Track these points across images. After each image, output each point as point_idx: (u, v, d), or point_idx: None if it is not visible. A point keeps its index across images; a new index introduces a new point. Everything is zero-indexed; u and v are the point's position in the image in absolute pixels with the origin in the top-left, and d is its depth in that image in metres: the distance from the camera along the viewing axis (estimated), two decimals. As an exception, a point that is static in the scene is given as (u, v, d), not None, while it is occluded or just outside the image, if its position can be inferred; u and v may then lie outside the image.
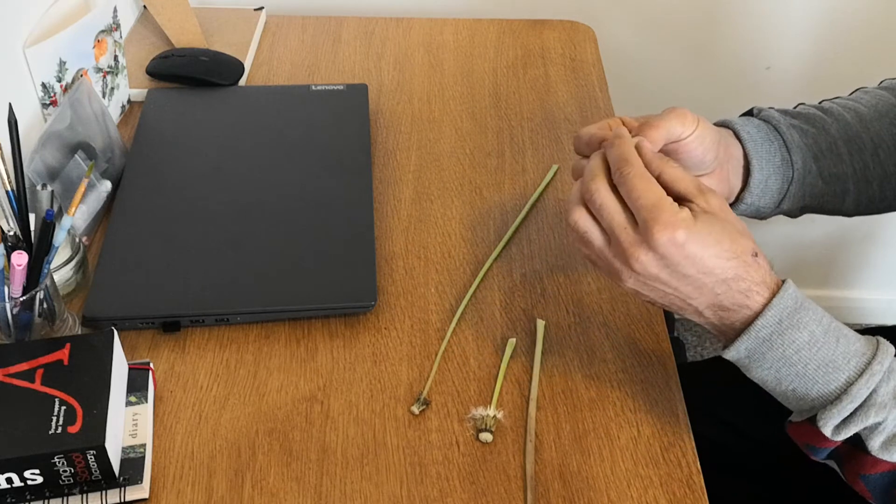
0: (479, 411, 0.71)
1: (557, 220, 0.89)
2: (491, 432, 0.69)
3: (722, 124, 0.78)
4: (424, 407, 0.71)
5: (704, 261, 0.59)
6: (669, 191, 0.61)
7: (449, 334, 0.77)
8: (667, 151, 0.71)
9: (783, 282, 0.62)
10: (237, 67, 1.06)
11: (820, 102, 0.84)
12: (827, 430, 0.60)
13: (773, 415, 0.65)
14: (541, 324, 0.78)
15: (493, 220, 0.89)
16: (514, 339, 0.76)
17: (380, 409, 0.71)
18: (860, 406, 0.59)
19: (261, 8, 1.19)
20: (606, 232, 0.62)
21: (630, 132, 0.69)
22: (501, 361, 0.75)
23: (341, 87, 1.03)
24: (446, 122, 1.02)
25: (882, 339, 0.62)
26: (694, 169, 0.73)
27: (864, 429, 0.60)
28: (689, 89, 1.41)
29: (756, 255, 0.61)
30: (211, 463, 0.67)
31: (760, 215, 0.80)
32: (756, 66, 1.39)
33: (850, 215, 0.84)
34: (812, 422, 0.61)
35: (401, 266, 0.84)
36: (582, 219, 0.63)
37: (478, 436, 0.69)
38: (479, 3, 1.29)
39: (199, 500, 0.65)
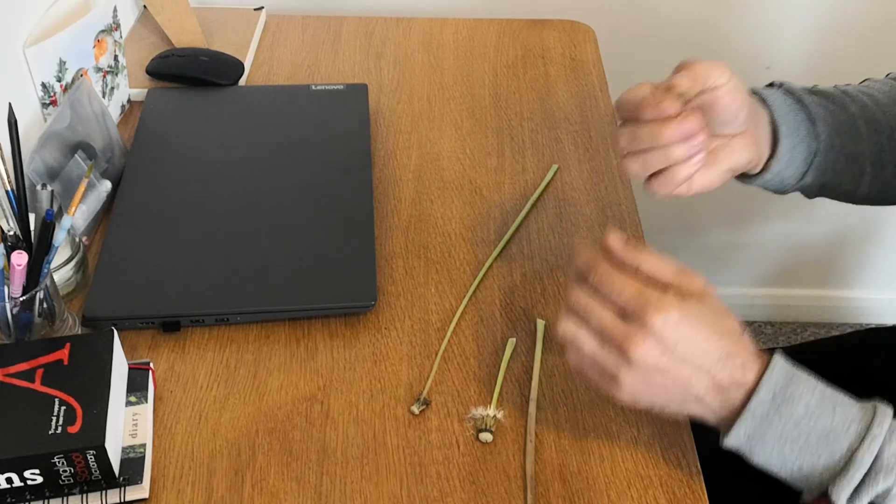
0: (479, 411, 0.71)
1: (557, 220, 0.89)
2: (491, 432, 0.69)
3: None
4: (424, 407, 0.71)
5: (699, 341, 0.59)
6: (653, 279, 0.61)
7: (449, 334, 0.77)
8: (702, 104, 0.68)
9: (772, 356, 0.62)
10: (237, 67, 1.06)
11: (833, 86, 0.84)
12: (842, 503, 0.60)
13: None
14: (541, 324, 0.78)
15: (493, 220, 0.89)
16: (514, 339, 0.76)
17: (380, 409, 0.71)
18: (868, 472, 0.59)
19: (261, 8, 1.19)
20: (597, 335, 0.61)
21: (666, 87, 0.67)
22: (501, 361, 0.75)
23: (341, 87, 1.03)
24: (446, 121, 1.02)
25: (879, 402, 0.61)
26: (725, 126, 0.71)
27: (877, 496, 0.59)
28: (690, 89, 1.41)
29: (742, 333, 0.62)
30: (211, 463, 0.67)
31: (783, 188, 0.80)
32: (756, 65, 1.39)
33: (861, 201, 0.83)
34: (825, 496, 0.60)
35: (401, 266, 0.84)
36: (569, 326, 0.62)
37: (478, 436, 0.69)
38: (479, 3, 1.29)
39: (199, 499, 0.65)
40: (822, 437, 0.59)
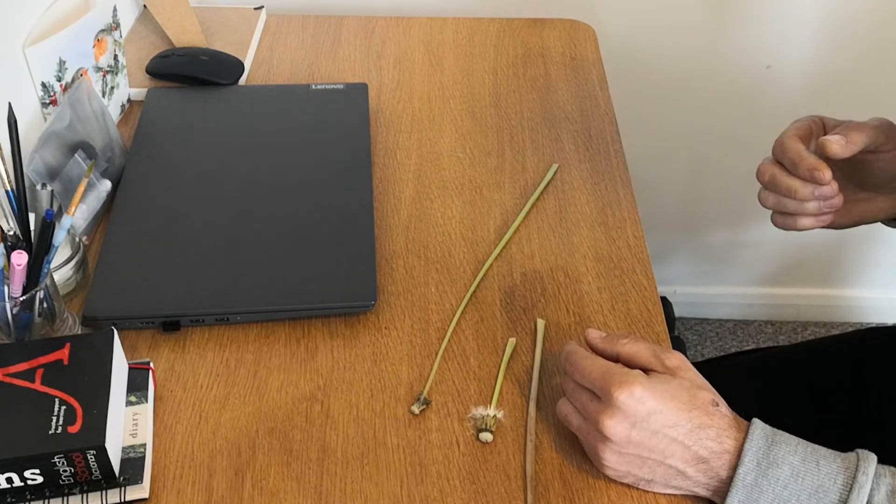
0: (480, 411, 0.71)
1: (558, 220, 0.89)
2: (491, 432, 0.69)
3: None
4: (424, 406, 0.71)
5: (666, 414, 0.61)
6: (631, 365, 0.65)
7: (449, 334, 0.77)
8: (854, 163, 0.76)
9: (750, 424, 0.63)
10: (237, 67, 1.06)
11: None
12: None
13: (771, 416, 0.65)
14: (541, 324, 0.78)
15: (493, 219, 0.89)
16: (514, 339, 0.76)
17: (380, 409, 0.71)
18: None
19: (261, 7, 1.19)
20: (581, 415, 0.65)
21: (827, 130, 0.76)
22: (501, 361, 0.75)
23: (341, 87, 1.03)
24: (446, 121, 1.02)
25: (861, 451, 0.62)
26: (875, 186, 0.79)
27: None
28: (690, 88, 1.41)
29: (717, 405, 0.63)
30: (211, 462, 0.67)
31: None
32: (756, 64, 1.39)
33: None
34: None
35: (401, 265, 0.84)
36: (562, 406, 0.67)
37: (478, 435, 0.69)
38: (479, 2, 1.29)
39: (199, 499, 0.65)
40: (813, 493, 0.60)
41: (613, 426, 0.62)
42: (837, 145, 0.72)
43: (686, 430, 0.61)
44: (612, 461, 0.63)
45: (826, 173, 0.72)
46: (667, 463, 0.62)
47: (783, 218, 0.78)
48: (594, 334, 0.69)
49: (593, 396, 0.64)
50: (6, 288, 0.66)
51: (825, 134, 0.77)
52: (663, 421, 0.61)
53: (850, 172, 0.79)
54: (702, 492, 0.64)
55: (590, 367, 0.64)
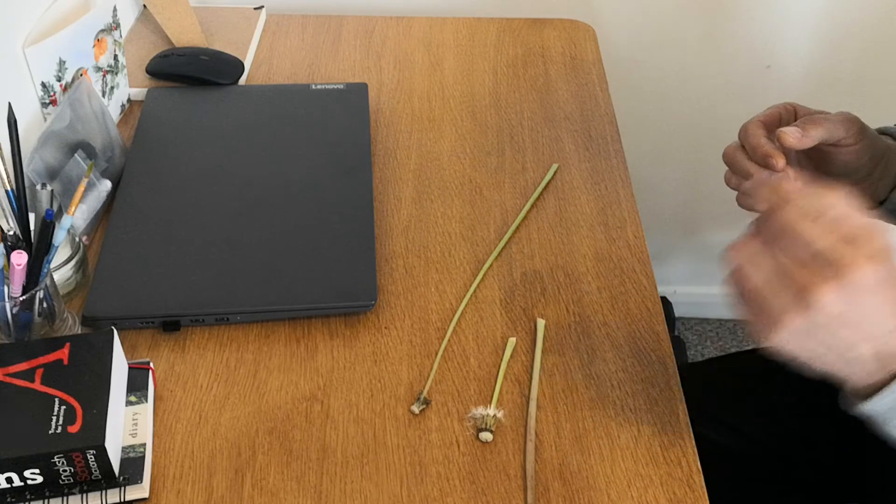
0: (480, 411, 0.71)
1: (558, 220, 0.89)
2: (491, 432, 0.69)
3: (886, 132, 0.81)
4: (424, 406, 0.71)
5: (879, 306, 0.54)
6: (838, 226, 0.56)
7: (449, 334, 0.77)
8: (819, 153, 0.76)
9: None
10: (237, 66, 1.06)
11: None
12: None
13: (773, 415, 0.65)
14: (541, 323, 0.78)
15: (493, 219, 0.89)
16: (514, 339, 0.76)
17: (380, 409, 0.71)
18: None
19: (261, 7, 1.19)
20: (770, 271, 0.57)
21: (798, 118, 0.76)
22: (501, 361, 0.75)
23: (341, 86, 1.03)
24: (446, 121, 1.02)
25: None
26: (831, 174, 0.77)
27: None
28: (690, 88, 1.41)
29: None
30: (211, 462, 0.67)
31: None
32: (756, 64, 1.39)
33: None
34: None
35: (401, 265, 0.84)
36: (736, 254, 0.58)
37: (478, 435, 0.69)
38: (479, 2, 1.29)
39: (199, 499, 0.65)
40: None
41: (832, 301, 0.53)
42: (793, 137, 0.73)
43: (886, 330, 0.55)
44: (796, 332, 0.55)
45: (779, 161, 0.72)
46: (856, 349, 0.56)
47: (744, 199, 0.76)
48: (792, 183, 0.59)
49: (805, 261, 0.55)
50: (6, 288, 0.66)
51: (796, 121, 0.77)
52: (875, 313, 0.55)
53: (817, 161, 0.80)
54: (855, 379, 0.58)
55: (816, 234, 0.55)
